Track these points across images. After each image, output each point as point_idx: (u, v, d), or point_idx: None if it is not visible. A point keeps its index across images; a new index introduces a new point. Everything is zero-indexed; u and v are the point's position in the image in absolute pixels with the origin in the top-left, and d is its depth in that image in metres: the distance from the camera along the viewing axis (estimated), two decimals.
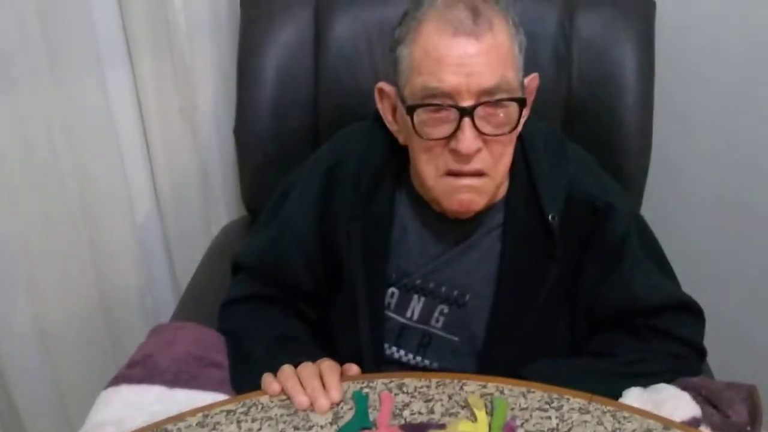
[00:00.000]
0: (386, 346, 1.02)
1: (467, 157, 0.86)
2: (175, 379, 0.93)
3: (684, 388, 0.90)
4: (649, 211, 1.27)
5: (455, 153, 0.86)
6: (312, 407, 0.81)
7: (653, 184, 1.29)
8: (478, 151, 0.86)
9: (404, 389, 0.83)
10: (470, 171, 0.88)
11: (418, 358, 1.01)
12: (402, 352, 1.02)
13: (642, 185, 1.28)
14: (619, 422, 0.78)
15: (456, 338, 0.99)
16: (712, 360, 1.06)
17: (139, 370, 0.95)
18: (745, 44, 1.30)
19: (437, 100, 0.85)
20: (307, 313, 1.05)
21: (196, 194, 1.39)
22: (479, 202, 0.91)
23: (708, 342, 1.00)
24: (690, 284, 1.04)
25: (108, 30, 1.23)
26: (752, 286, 1.46)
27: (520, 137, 0.94)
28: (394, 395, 0.82)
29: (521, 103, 0.87)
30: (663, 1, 1.25)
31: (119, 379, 0.94)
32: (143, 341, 1.01)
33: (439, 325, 1.00)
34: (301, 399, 0.81)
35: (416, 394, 0.82)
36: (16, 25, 1.09)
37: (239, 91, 1.26)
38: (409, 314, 1.01)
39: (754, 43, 1.29)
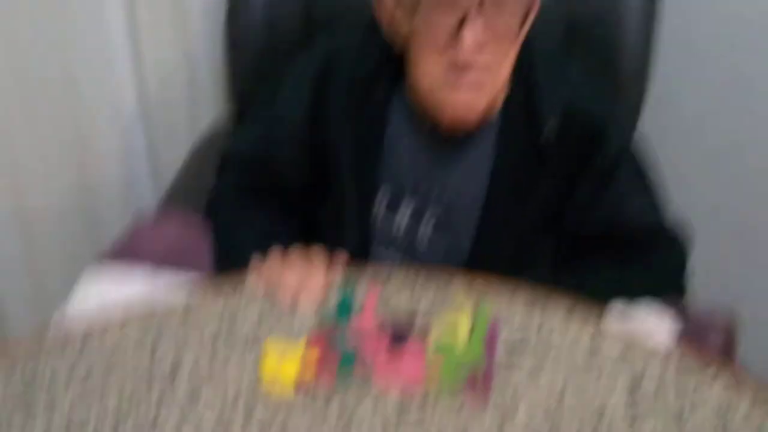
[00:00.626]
0: (374, 247, 1.02)
1: (475, 48, 0.83)
2: (160, 264, 0.92)
3: (664, 311, 0.92)
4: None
5: (460, 47, 0.84)
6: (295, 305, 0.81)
7: (649, 121, 1.29)
8: (484, 45, 0.84)
9: (391, 281, 0.83)
10: (474, 65, 0.85)
11: (405, 259, 1.01)
12: (390, 252, 1.01)
13: (638, 114, 1.27)
14: (603, 326, 0.79)
15: (443, 243, 0.99)
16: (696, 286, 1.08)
17: (125, 251, 0.94)
18: None
19: None
20: (294, 209, 1.04)
21: (183, 88, 1.35)
22: (479, 103, 0.89)
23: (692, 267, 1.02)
24: (681, 207, 1.05)
25: None
26: (742, 217, 1.48)
27: (522, 49, 0.92)
28: (379, 286, 0.82)
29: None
30: None
31: (104, 257, 0.93)
32: (126, 227, 1.00)
33: (428, 231, 1.00)
34: (284, 298, 0.81)
35: (402, 286, 0.82)
36: None
37: None
38: (399, 216, 1.00)
39: None
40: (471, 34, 0.82)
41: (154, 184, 1.43)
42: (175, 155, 1.32)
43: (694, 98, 1.43)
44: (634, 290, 0.95)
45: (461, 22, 0.82)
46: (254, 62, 1.23)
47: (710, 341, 0.90)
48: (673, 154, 1.45)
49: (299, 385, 0.69)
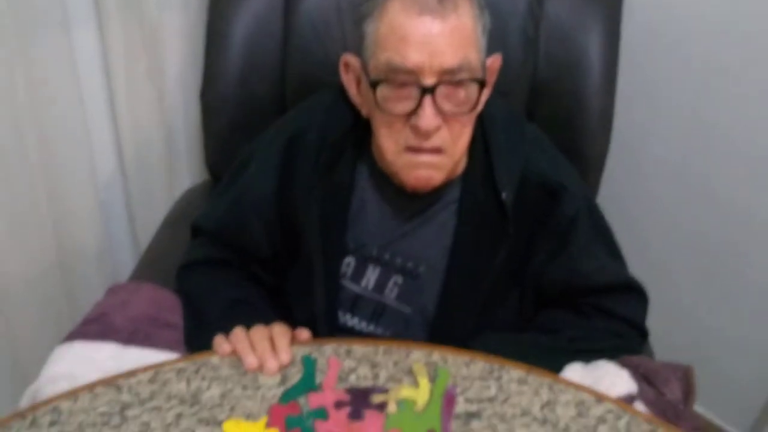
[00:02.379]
0: (340, 314, 1.04)
1: (427, 134, 0.88)
2: (130, 338, 0.94)
3: (623, 365, 0.94)
4: (606, 194, 1.31)
5: (415, 129, 0.88)
6: (261, 369, 0.83)
7: (612, 168, 1.32)
8: (438, 128, 0.88)
9: (351, 355, 0.85)
10: (429, 147, 0.89)
11: (371, 327, 1.03)
12: (356, 320, 1.04)
13: (601, 168, 1.30)
14: (555, 393, 0.81)
15: (408, 309, 1.02)
16: (657, 342, 1.10)
17: (95, 327, 0.96)
18: (712, 31, 1.33)
19: (400, 77, 0.86)
20: (264, 279, 1.07)
21: (160, 157, 1.39)
22: (437, 178, 0.93)
23: (653, 324, 1.04)
24: (639, 269, 1.07)
25: None
26: (700, 274, 1.50)
27: (480, 116, 0.96)
28: (341, 360, 0.84)
29: (482, 83, 0.89)
30: None
31: (74, 336, 0.95)
32: (100, 300, 1.02)
33: (393, 295, 1.02)
34: (251, 360, 0.83)
35: (363, 359, 0.85)
36: None
37: (207, 55, 1.25)
38: (364, 284, 1.03)
39: (719, 32, 1.32)
40: (424, 121, 0.86)
41: (132, 246, 1.46)
42: (153, 219, 1.35)
43: (654, 147, 1.47)
44: (596, 344, 0.98)
45: (415, 108, 0.86)
46: (228, 133, 1.27)
47: (669, 392, 0.92)
48: (631, 205, 1.49)
49: None
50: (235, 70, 1.23)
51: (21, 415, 0.77)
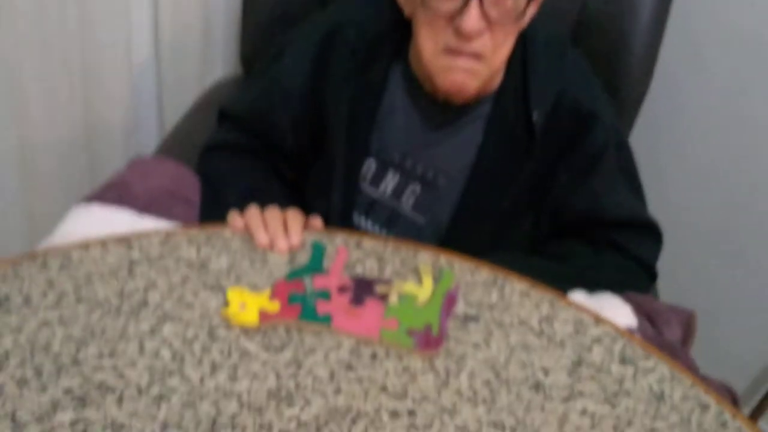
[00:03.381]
0: (355, 215, 1.05)
1: (468, 37, 0.86)
2: (146, 207, 0.95)
3: (627, 300, 0.94)
4: (639, 139, 1.29)
5: (458, 31, 0.86)
6: (271, 247, 0.84)
7: (648, 115, 1.30)
8: (480, 33, 0.86)
9: (360, 247, 0.86)
10: (469, 51, 0.88)
11: (383, 232, 1.04)
12: (369, 224, 1.05)
13: (636, 112, 1.28)
14: (555, 310, 0.81)
15: (422, 219, 1.02)
16: (663, 289, 1.10)
17: (113, 192, 0.97)
18: None
19: None
20: (284, 171, 1.08)
21: (196, 45, 1.38)
22: (471, 85, 0.91)
23: (663, 270, 1.04)
24: (662, 210, 1.07)
25: None
26: (718, 230, 1.49)
27: (522, 34, 0.94)
28: (349, 250, 0.85)
29: None
30: None
31: (92, 198, 0.96)
32: (121, 169, 1.03)
33: (409, 203, 1.03)
34: (262, 237, 0.84)
35: (371, 253, 0.85)
36: None
37: None
38: (382, 188, 1.03)
39: None
40: (468, 23, 0.84)
41: (158, 130, 1.47)
42: (182, 105, 1.35)
43: (692, 101, 1.44)
44: (603, 276, 0.98)
45: (461, 8, 0.84)
46: (266, 25, 1.26)
47: (669, 332, 0.93)
48: (664, 155, 1.47)
49: (262, 318, 0.74)
50: None
51: (32, 256, 0.79)
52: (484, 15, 0.85)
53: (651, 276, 1.03)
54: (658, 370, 0.76)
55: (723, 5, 1.34)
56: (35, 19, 1.18)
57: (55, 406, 0.63)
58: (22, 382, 0.65)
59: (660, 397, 0.73)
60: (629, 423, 0.69)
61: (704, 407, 0.73)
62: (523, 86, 0.96)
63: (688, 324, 0.96)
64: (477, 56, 0.88)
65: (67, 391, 0.65)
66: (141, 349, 0.70)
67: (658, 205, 1.10)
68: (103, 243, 0.82)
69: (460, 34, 0.86)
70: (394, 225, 1.04)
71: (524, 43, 0.96)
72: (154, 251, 0.82)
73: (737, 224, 1.46)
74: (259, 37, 1.28)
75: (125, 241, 0.83)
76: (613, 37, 1.23)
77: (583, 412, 0.70)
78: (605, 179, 0.99)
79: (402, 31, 0.97)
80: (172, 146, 1.21)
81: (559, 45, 1.01)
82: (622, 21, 1.22)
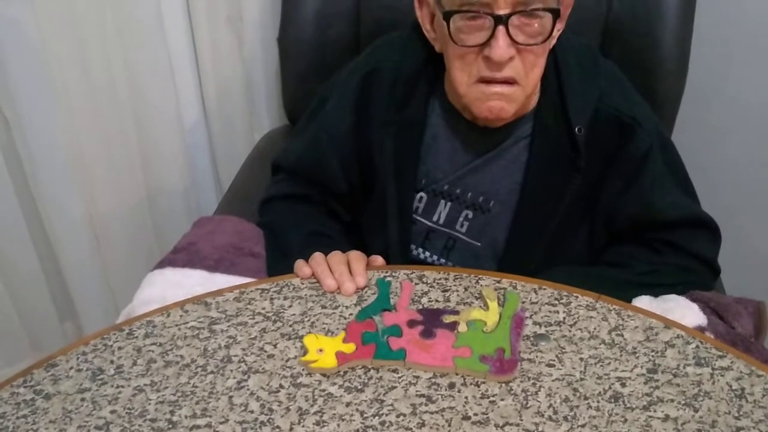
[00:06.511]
0: (413, 248, 1.08)
1: (499, 65, 0.89)
2: (216, 265, 1.00)
3: (693, 300, 0.94)
4: (680, 137, 1.29)
5: (488, 60, 0.89)
6: (339, 290, 0.88)
7: (685, 112, 1.30)
8: (511, 59, 0.89)
9: (424, 280, 0.89)
10: (501, 78, 0.91)
11: (442, 261, 1.07)
12: (427, 254, 1.07)
13: (674, 111, 1.29)
14: (623, 319, 0.82)
15: (479, 243, 1.05)
16: (728, 284, 1.09)
17: (183, 255, 1.02)
18: None
19: (474, 8, 0.87)
20: (340, 213, 1.12)
21: (240, 102, 1.45)
22: (509, 110, 0.94)
23: (725, 262, 1.03)
24: (714, 206, 1.06)
25: None
26: None
27: (553, 51, 0.97)
28: (414, 284, 0.88)
29: (555, 14, 0.89)
30: None
31: (164, 263, 1.01)
32: (187, 231, 1.09)
33: (464, 229, 1.05)
34: (329, 282, 0.88)
35: (435, 284, 0.88)
36: None
37: (284, 1, 1.29)
38: (435, 218, 1.06)
39: None
40: (497, 52, 0.87)
41: (215, 185, 1.53)
42: (235, 159, 1.41)
43: (727, 95, 1.43)
44: (665, 278, 0.98)
45: (489, 38, 0.87)
46: (304, 76, 1.32)
47: (740, 326, 0.92)
48: (705, 150, 1.46)
49: (340, 360, 0.77)
50: (311, 14, 1.27)
51: (118, 327, 0.84)
52: (512, 42, 0.88)
53: (714, 272, 1.03)
54: (735, 367, 0.76)
55: None
56: (89, 93, 1.25)
57: None
58: None
59: (741, 395, 0.73)
60: (713, 424, 0.70)
61: None
62: (561, 101, 0.98)
63: (758, 313, 0.96)
64: (510, 82, 0.91)
65: None
66: (230, 404, 0.73)
67: (707, 200, 1.09)
68: (182, 305, 0.87)
69: (491, 63, 0.89)
70: (452, 252, 1.06)
71: (555, 59, 0.99)
72: (231, 308, 0.86)
73: None
74: (299, 87, 1.33)
75: (202, 301, 0.87)
76: (642, 40, 1.24)
77: (665, 418, 0.71)
78: (654, 181, 0.99)
79: (435, 65, 1.01)
80: (232, 202, 1.26)
81: (590, 56, 1.03)
82: (649, 22, 1.24)
